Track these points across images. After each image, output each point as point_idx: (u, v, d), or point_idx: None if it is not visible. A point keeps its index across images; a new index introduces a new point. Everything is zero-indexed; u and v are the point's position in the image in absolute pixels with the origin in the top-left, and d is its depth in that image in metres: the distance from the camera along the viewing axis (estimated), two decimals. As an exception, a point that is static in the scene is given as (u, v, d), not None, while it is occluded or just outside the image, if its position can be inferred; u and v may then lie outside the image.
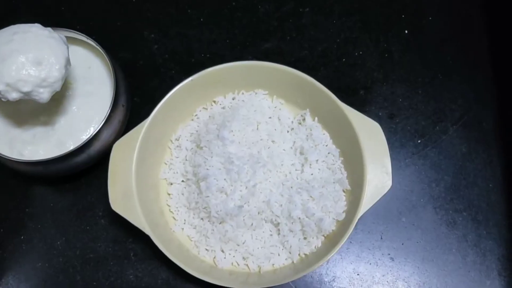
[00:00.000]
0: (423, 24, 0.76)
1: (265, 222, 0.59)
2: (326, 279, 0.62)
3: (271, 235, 0.60)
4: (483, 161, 0.67)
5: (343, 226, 0.57)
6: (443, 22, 0.76)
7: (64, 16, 0.78)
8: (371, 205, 0.55)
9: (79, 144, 0.57)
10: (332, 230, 0.58)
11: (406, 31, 0.76)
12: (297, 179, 0.60)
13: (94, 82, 0.63)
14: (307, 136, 0.63)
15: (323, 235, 0.59)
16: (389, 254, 0.63)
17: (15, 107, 0.62)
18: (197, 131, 0.65)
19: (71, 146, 0.59)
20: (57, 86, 0.54)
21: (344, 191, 0.61)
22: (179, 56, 0.74)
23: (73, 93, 0.63)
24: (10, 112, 0.62)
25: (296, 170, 0.61)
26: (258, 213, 0.58)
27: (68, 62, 0.55)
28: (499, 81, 0.72)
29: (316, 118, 0.64)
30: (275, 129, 0.63)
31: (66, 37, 0.63)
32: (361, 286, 0.62)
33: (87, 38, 0.62)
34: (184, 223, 0.61)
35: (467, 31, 0.76)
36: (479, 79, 0.72)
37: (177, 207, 0.62)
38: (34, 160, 0.57)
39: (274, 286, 0.56)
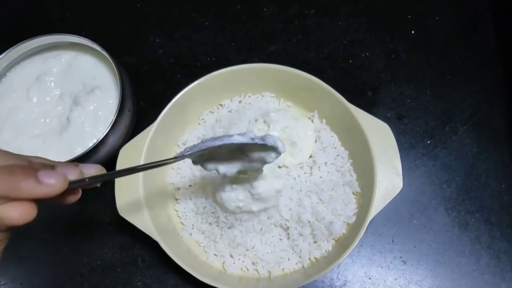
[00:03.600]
0: (429, 24, 0.76)
1: (275, 226, 0.59)
2: (337, 284, 0.61)
3: (280, 239, 0.59)
4: (494, 161, 0.66)
5: (353, 229, 0.56)
6: (450, 22, 0.76)
7: (69, 22, 0.78)
8: (382, 207, 0.54)
9: (85, 149, 0.56)
10: (343, 233, 0.57)
11: (412, 32, 0.75)
12: (306, 182, 0.60)
13: (99, 87, 0.63)
14: (315, 138, 0.62)
15: (334, 239, 0.58)
16: (401, 257, 0.62)
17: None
18: (204, 134, 0.64)
19: (79, 152, 0.59)
20: None
21: (354, 194, 0.60)
22: (185, 60, 0.74)
23: (79, 99, 0.62)
24: (20, 120, 0.62)
25: (305, 173, 0.60)
26: (268, 217, 0.57)
27: None
28: (508, 79, 0.71)
29: (324, 120, 0.63)
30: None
31: (72, 42, 0.64)
32: (373, 290, 0.61)
33: (93, 43, 0.61)
34: (193, 228, 0.60)
35: (474, 30, 0.75)
36: (487, 78, 0.72)
37: (185, 212, 0.61)
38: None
39: (285, 291, 0.55)
